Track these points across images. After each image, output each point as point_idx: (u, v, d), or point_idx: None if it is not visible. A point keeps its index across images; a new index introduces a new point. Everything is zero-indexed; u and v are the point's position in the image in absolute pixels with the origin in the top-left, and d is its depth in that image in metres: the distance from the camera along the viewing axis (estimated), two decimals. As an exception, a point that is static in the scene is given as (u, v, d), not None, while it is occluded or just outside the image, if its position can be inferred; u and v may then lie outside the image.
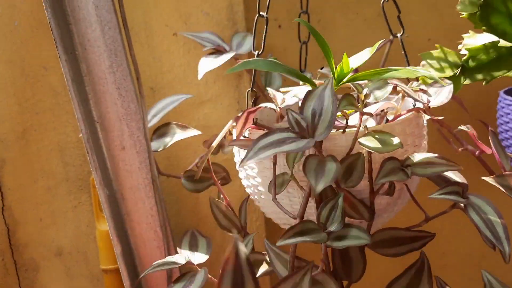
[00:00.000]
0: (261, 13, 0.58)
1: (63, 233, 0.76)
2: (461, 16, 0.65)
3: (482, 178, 0.50)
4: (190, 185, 0.65)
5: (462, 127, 0.53)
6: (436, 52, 0.67)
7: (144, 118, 0.60)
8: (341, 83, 0.53)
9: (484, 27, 0.61)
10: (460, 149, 0.53)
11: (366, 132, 0.49)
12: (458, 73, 0.64)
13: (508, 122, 0.66)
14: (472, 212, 0.48)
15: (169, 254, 0.65)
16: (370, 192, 0.52)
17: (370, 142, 0.48)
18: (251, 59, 0.53)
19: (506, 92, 0.70)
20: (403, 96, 0.57)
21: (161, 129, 0.66)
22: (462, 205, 0.49)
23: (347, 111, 0.51)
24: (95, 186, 0.74)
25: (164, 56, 0.73)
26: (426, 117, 0.56)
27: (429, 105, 0.53)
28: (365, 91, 0.51)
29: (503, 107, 0.67)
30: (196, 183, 0.64)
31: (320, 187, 0.44)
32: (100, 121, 0.59)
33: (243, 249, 0.35)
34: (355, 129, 0.50)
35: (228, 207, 0.62)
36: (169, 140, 0.63)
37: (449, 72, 0.65)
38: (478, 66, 0.64)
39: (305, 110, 0.48)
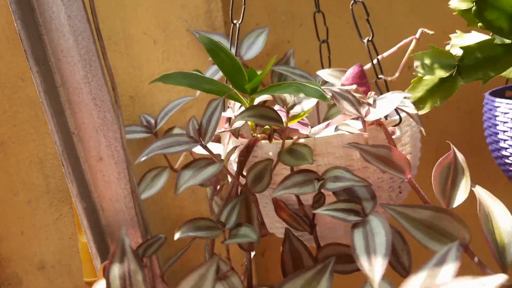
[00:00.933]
0: (234, 21, 0.58)
1: (46, 246, 0.75)
2: (453, 13, 0.63)
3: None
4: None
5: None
6: (429, 53, 0.63)
7: (121, 128, 0.59)
8: (253, 95, 0.53)
9: (480, 24, 0.59)
10: (385, 171, 0.51)
11: (292, 144, 0.51)
12: (454, 73, 0.61)
13: (496, 125, 0.65)
14: (358, 231, 0.45)
15: (151, 265, 0.63)
16: (298, 205, 0.53)
17: (289, 154, 0.50)
18: (171, 72, 0.54)
19: (492, 94, 0.69)
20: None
21: (169, 132, 0.71)
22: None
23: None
24: (76, 198, 0.72)
25: (144, 65, 0.72)
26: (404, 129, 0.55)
27: (365, 118, 0.50)
28: (291, 103, 0.52)
29: (490, 109, 0.66)
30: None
31: (181, 189, 0.48)
32: (77, 132, 0.57)
33: (127, 242, 0.47)
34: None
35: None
36: None
37: (444, 73, 0.61)
38: (474, 65, 0.61)
39: (203, 119, 0.52)
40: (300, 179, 0.49)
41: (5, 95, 0.70)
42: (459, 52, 0.62)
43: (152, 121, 0.70)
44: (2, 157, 0.71)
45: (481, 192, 0.48)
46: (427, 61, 0.61)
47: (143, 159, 0.50)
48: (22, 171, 0.72)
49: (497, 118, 0.64)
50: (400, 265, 0.50)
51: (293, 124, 0.55)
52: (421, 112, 0.60)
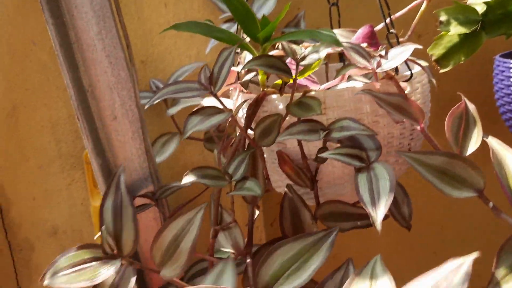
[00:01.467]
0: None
1: (57, 212, 0.75)
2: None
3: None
4: (209, 145, 0.71)
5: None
6: (452, 8, 0.62)
7: (135, 87, 0.59)
8: (265, 44, 0.53)
9: None
10: (397, 123, 0.51)
11: (301, 97, 0.51)
12: (478, 28, 0.60)
13: (509, 86, 0.65)
14: (362, 175, 0.45)
15: (163, 208, 0.64)
16: (302, 158, 0.53)
17: (296, 107, 0.50)
18: (182, 22, 0.54)
19: (503, 56, 0.69)
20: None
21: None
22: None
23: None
24: (88, 162, 0.73)
25: (155, 28, 0.72)
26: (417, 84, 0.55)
27: (376, 70, 0.50)
28: (301, 54, 0.51)
29: (503, 71, 0.66)
30: (213, 144, 0.71)
31: (188, 133, 0.49)
32: (91, 89, 0.58)
33: (122, 178, 0.50)
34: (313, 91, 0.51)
35: None
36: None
37: (467, 29, 0.60)
38: (498, 20, 0.60)
39: (215, 67, 0.52)
40: (306, 128, 0.49)
41: (17, 59, 0.70)
42: (480, 8, 0.61)
43: (161, 86, 0.70)
44: (14, 121, 0.71)
45: (493, 142, 0.48)
46: (451, 16, 0.60)
47: (152, 103, 0.50)
48: (33, 136, 0.72)
49: (510, 79, 0.64)
50: (401, 215, 0.50)
51: (302, 80, 0.55)
52: (443, 70, 0.60)
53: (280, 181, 0.59)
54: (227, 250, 0.53)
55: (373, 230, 0.53)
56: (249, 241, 0.53)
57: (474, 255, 0.36)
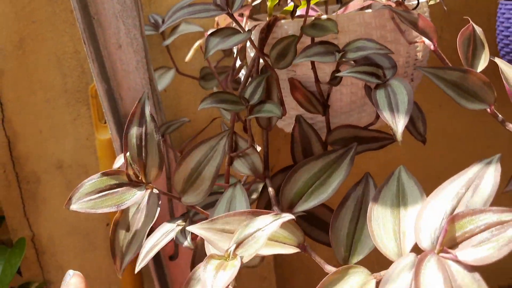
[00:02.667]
0: None
1: (63, 146, 0.77)
2: None
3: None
4: (205, 83, 0.71)
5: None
6: None
7: (140, 15, 0.60)
8: None
9: None
10: (414, 41, 0.52)
11: (315, 19, 0.50)
12: None
13: (508, 28, 0.65)
14: (380, 91, 0.46)
15: (168, 157, 0.66)
16: (315, 82, 0.52)
17: (311, 28, 0.49)
18: None
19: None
20: None
21: (175, 29, 0.71)
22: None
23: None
24: (94, 96, 0.74)
25: (160, -36, 0.72)
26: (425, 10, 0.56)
27: None
28: None
29: (503, 13, 0.66)
30: (209, 81, 0.70)
31: (211, 51, 0.48)
32: (97, 17, 0.58)
33: (148, 106, 0.49)
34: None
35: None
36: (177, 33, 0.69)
37: None
38: None
39: None
40: (321, 50, 0.49)
41: (24, -9, 0.70)
42: None
43: (160, 21, 0.70)
44: (21, 54, 0.73)
45: (499, 61, 0.51)
46: None
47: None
48: (40, 69, 0.74)
49: (510, 21, 0.65)
50: (416, 130, 0.51)
51: (304, 10, 0.55)
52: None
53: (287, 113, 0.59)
54: (246, 173, 0.53)
55: (388, 153, 0.54)
56: (265, 164, 0.54)
57: (498, 155, 0.38)
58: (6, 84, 0.73)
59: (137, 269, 0.45)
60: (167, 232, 0.50)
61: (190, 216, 0.52)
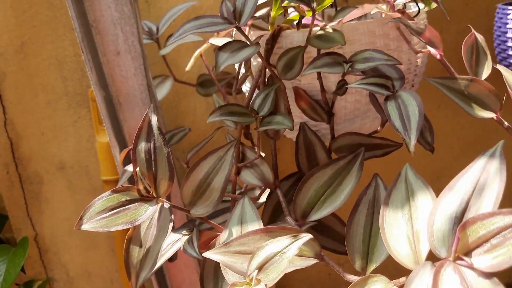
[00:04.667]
0: None
1: (65, 148, 0.78)
2: None
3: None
4: (202, 90, 0.71)
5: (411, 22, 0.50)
6: None
7: (138, 22, 0.61)
8: None
9: None
10: (420, 51, 0.52)
11: (320, 29, 0.50)
12: None
13: (505, 33, 0.65)
14: (391, 103, 0.46)
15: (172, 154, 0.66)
16: (321, 92, 0.52)
17: (317, 39, 0.49)
18: None
19: (506, 4, 0.69)
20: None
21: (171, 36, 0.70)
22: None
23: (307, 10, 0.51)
24: (94, 99, 0.75)
25: (159, -31, 0.73)
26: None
27: (394, 3, 0.51)
28: None
29: (501, 18, 0.66)
30: (206, 88, 0.70)
31: (221, 66, 0.47)
32: (95, 24, 0.59)
33: (154, 120, 0.47)
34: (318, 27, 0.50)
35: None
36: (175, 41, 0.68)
37: None
38: None
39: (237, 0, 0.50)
40: (329, 60, 0.49)
41: (24, -5, 0.71)
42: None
43: (154, 28, 0.70)
44: (23, 57, 0.74)
45: (501, 68, 0.52)
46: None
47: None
48: (41, 72, 0.75)
49: (507, 26, 0.65)
50: (424, 139, 0.52)
51: (310, 19, 0.55)
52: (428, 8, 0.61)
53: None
54: (255, 183, 0.52)
55: (393, 158, 0.54)
56: (275, 173, 0.54)
57: (501, 142, 0.38)
58: (8, 87, 0.74)
59: (140, 281, 0.45)
60: (173, 242, 0.50)
61: (196, 224, 0.52)
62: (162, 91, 0.72)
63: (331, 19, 0.58)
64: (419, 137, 0.52)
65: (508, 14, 0.64)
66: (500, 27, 0.67)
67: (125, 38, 0.61)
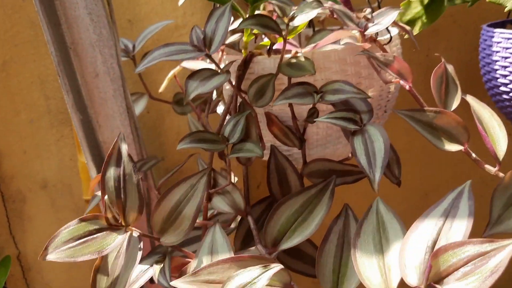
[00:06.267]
0: None
1: (47, 166, 0.78)
2: None
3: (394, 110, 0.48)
4: (178, 108, 0.71)
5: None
6: None
7: (116, 45, 0.60)
8: (256, 3, 0.52)
9: None
10: (389, 81, 0.52)
11: (291, 57, 0.50)
12: None
13: (490, 55, 0.64)
14: (358, 138, 0.46)
15: (147, 179, 0.66)
16: (292, 119, 0.52)
17: (289, 67, 0.49)
18: None
19: (491, 27, 0.68)
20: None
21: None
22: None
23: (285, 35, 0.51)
24: (76, 119, 0.75)
25: (142, -12, 0.72)
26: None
27: (364, 32, 0.51)
28: (291, 14, 0.50)
29: (485, 40, 0.65)
30: (182, 107, 0.71)
31: (191, 95, 0.48)
32: (73, 47, 0.59)
33: (124, 147, 0.48)
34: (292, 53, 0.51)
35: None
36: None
37: None
38: None
39: (207, 27, 0.50)
40: (300, 91, 0.49)
41: (6, 15, 0.71)
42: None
43: (130, 46, 0.70)
44: (5, 76, 0.73)
45: (470, 99, 0.52)
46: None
47: (144, 67, 0.50)
48: (23, 91, 0.74)
49: (491, 48, 0.64)
50: (391, 172, 0.52)
51: (280, 44, 0.55)
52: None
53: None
54: (226, 210, 0.53)
55: (363, 185, 0.55)
56: (246, 200, 0.54)
57: (469, 182, 0.40)
58: (-10, 105, 0.74)
59: None
60: (143, 271, 0.49)
61: (168, 251, 0.52)
62: (138, 108, 0.71)
63: (308, 39, 0.58)
64: (386, 171, 0.52)
65: (492, 36, 0.64)
66: (484, 49, 0.66)
67: (103, 60, 0.60)
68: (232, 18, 0.58)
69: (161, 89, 0.62)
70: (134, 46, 0.69)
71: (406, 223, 0.42)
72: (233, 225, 0.60)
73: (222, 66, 0.57)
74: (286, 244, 0.47)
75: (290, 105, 0.53)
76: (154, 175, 0.67)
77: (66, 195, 0.79)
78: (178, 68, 0.62)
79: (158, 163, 0.67)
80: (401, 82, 0.50)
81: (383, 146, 0.45)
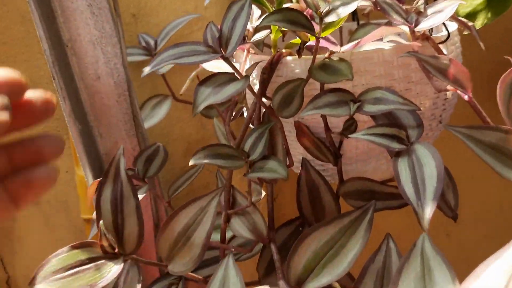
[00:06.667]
0: None
1: (41, 180, 0.70)
2: None
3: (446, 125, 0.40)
4: (204, 110, 0.63)
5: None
6: None
7: (121, 42, 0.52)
8: None
9: None
10: (444, 89, 0.44)
11: (325, 58, 0.43)
12: None
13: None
14: (403, 161, 0.39)
15: (153, 187, 0.58)
16: (325, 131, 0.46)
17: (322, 70, 0.42)
18: None
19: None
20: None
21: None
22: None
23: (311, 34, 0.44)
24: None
25: (149, -22, 0.64)
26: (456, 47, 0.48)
27: (414, 29, 0.43)
28: (326, 8, 0.43)
29: None
30: (209, 110, 0.63)
31: (200, 106, 0.41)
32: (71, 44, 0.50)
33: (123, 163, 0.43)
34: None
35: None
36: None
37: None
38: None
39: (224, 25, 0.43)
40: (333, 99, 0.42)
41: (-7, 8, 0.62)
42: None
43: (152, 42, 0.63)
44: (-9, 79, 0.65)
45: None
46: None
47: (149, 70, 0.42)
48: (13, 95, 0.66)
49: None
50: (446, 203, 0.43)
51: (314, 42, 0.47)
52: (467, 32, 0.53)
53: (294, 156, 0.52)
54: (246, 236, 0.47)
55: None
56: (270, 225, 0.48)
57: None
58: (-25, 112, 0.66)
59: None
60: None
61: (183, 276, 0.47)
62: (160, 113, 0.64)
63: (351, 34, 0.50)
64: (440, 202, 0.43)
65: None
66: None
67: (106, 60, 0.52)
68: (260, 12, 0.50)
69: (182, 91, 0.55)
70: (156, 43, 0.62)
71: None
72: (257, 247, 0.53)
73: (247, 67, 0.49)
74: (313, 284, 0.41)
75: (323, 116, 0.46)
76: (160, 182, 0.59)
77: (61, 213, 0.71)
78: (200, 68, 0.54)
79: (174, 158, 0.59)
80: (459, 91, 0.42)
81: (435, 171, 0.37)
